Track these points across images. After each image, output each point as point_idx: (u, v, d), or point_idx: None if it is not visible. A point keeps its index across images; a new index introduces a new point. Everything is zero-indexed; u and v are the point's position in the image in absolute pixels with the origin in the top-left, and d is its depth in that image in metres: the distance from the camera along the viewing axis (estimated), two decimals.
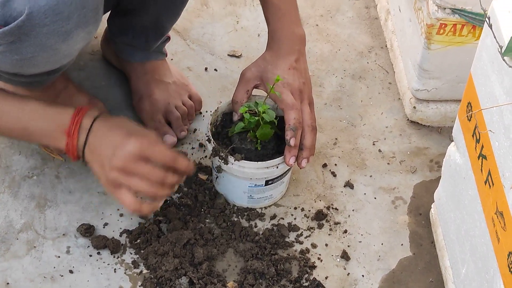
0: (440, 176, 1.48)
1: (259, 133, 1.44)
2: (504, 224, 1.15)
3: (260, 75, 1.49)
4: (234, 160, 1.45)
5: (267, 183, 1.50)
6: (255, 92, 1.52)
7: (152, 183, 1.31)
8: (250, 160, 1.46)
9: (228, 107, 1.53)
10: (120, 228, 1.50)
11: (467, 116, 1.29)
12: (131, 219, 1.51)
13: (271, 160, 1.45)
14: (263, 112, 1.43)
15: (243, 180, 1.49)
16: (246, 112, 1.43)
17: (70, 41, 1.27)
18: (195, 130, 1.67)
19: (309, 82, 1.51)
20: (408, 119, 1.73)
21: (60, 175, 1.57)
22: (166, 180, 1.32)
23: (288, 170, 1.52)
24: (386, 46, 1.86)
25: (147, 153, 1.30)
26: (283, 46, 1.49)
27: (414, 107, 1.69)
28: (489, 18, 1.11)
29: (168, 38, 1.69)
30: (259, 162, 1.45)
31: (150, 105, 1.64)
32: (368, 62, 1.83)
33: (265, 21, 1.52)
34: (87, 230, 1.48)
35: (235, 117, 1.49)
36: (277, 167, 1.46)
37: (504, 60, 1.08)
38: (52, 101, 1.36)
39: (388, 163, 1.66)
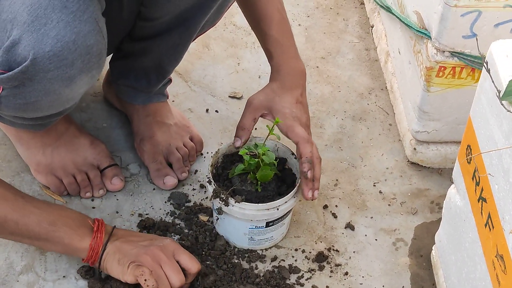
0: (441, 218, 1.47)
1: (259, 175, 1.45)
2: (505, 268, 1.14)
3: (268, 105, 1.51)
4: (235, 202, 1.45)
5: (267, 224, 1.50)
6: (254, 133, 1.53)
7: None
8: (251, 201, 1.46)
9: (228, 149, 1.54)
10: None
11: (467, 159, 1.30)
12: None
13: (272, 202, 1.46)
14: (263, 154, 1.44)
15: (243, 222, 1.49)
16: (246, 154, 1.44)
17: (74, 86, 1.28)
18: (196, 171, 1.67)
19: (309, 116, 1.55)
20: (408, 161, 1.73)
21: None
22: None
23: (289, 211, 1.52)
24: (386, 88, 1.87)
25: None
26: (288, 80, 1.52)
27: (415, 149, 1.70)
28: (487, 63, 1.12)
29: (170, 80, 1.71)
30: (259, 204, 1.45)
31: (152, 146, 1.64)
32: (368, 104, 1.84)
33: (266, 63, 1.55)
34: (87, 272, 1.48)
35: (238, 143, 1.50)
36: (278, 209, 1.46)
37: (502, 104, 1.09)
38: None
39: (389, 205, 1.66)
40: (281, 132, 1.49)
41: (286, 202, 1.47)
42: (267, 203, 1.45)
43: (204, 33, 1.59)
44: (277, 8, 1.53)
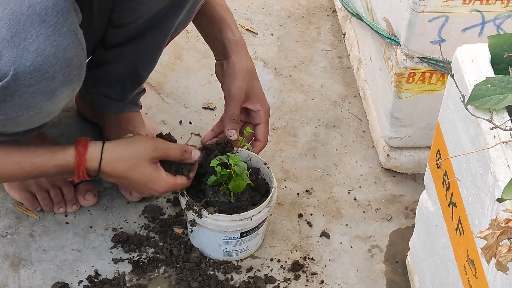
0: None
1: (231, 186, 1.45)
2: (475, 272, 1.15)
3: (247, 91, 1.53)
4: (208, 214, 1.44)
5: (242, 235, 1.50)
6: None
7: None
8: (224, 213, 1.46)
9: (201, 160, 1.53)
10: (94, 286, 1.48)
11: (436, 164, 1.30)
12: (106, 275, 1.50)
13: (245, 212, 1.45)
14: (235, 165, 1.44)
15: (217, 233, 1.48)
16: (217, 165, 1.43)
17: (55, 99, 1.28)
18: None
19: None
20: (382, 167, 1.73)
21: (35, 233, 1.56)
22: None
23: (263, 221, 1.52)
24: (359, 95, 1.87)
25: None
26: (248, 56, 1.56)
27: (388, 155, 1.70)
28: (450, 68, 1.12)
29: (144, 90, 1.70)
30: (233, 215, 1.45)
31: None
32: (342, 111, 1.85)
33: None
34: None
35: (235, 135, 1.51)
36: (251, 219, 1.46)
37: (467, 109, 1.09)
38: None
39: (364, 212, 1.66)
40: (256, 113, 1.53)
41: (259, 212, 1.47)
42: (240, 214, 1.45)
43: (177, 35, 1.58)
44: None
